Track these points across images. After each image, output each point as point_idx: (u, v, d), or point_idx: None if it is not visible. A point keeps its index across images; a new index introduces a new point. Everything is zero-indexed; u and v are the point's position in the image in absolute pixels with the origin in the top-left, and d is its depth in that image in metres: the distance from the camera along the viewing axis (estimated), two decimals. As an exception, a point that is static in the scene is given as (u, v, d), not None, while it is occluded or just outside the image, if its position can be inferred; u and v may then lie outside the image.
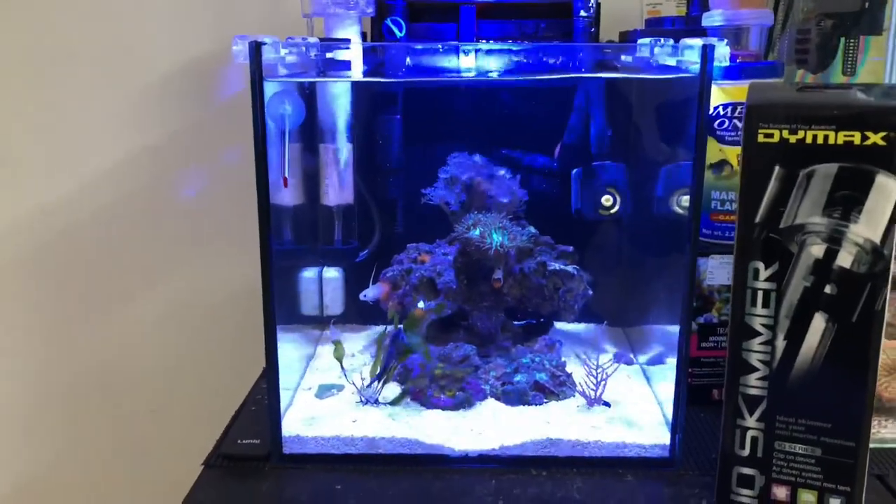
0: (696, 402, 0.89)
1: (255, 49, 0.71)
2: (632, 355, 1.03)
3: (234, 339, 1.29)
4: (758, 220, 0.69)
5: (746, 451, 0.74)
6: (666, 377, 0.94)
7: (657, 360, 0.99)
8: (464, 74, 0.84)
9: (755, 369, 0.72)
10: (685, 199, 0.94)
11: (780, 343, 0.70)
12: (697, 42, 0.73)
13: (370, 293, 0.97)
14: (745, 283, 0.71)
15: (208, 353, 1.30)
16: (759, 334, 0.71)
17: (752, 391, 0.72)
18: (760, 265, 0.70)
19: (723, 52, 0.73)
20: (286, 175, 0.82)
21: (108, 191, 1.25)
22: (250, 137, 1.22)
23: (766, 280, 0.70)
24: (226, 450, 0.85)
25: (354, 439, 0.84)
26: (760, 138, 0.67)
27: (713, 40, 0.72)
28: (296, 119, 0.85)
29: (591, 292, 1.00)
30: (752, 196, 0.69)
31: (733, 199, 0.91)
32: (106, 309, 1.30)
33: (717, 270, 0.93)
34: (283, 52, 0.76)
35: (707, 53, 0.72)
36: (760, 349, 0.71)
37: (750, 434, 0.73)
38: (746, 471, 0.74)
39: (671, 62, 0.78)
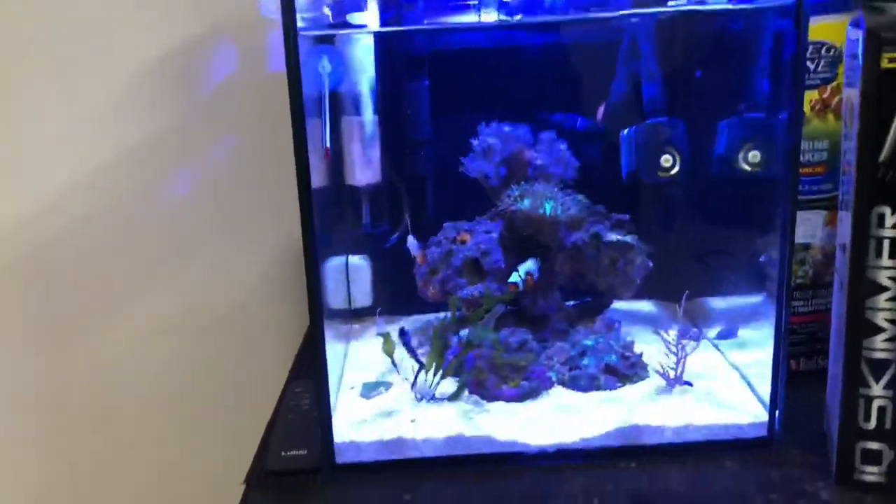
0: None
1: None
2: (696, 329, 0.94)
3: (243, 346, 1.17)
4: (882, 158, 0.61)
5: (872, 424, 0.66)
6: (741, 351, 0.87)
7: (728, 334, 0.91)
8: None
9: (881, 329, 0.64)
10: (753, 155, 0.87)
11: (911, 298, 0.62)
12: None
13: (412, 245, 0.90)
14: (867, 233, 0.63)
15: (216, 365, 1.18)
16: (887, 289, 0.63)
17: (879, 355, 0.64)
18: (886, 210, 0.62)
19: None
20: (328, 145, 0.71)
21: (90, 197, 1.12)
22: (241, 128, 1.10)
23: (894, 227, 0.62)
24: (270, 465, 0.74)
25: (417, 442, 0.74)
26: (884, 63, 0.59)
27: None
28: (336, 79, 0.74)
29: (651, 264, 0.91)
30: (873, 132, 0.61)
31: (808, 149, 0.83)
32: (95, 323, 1.17)
33: (792, 229, 0.85)
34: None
35: (804, -25, 0.64)
36: (888, 306, 0.63)
37: (876, 404, 0.65)
38: (872, 445, 0.66)
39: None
